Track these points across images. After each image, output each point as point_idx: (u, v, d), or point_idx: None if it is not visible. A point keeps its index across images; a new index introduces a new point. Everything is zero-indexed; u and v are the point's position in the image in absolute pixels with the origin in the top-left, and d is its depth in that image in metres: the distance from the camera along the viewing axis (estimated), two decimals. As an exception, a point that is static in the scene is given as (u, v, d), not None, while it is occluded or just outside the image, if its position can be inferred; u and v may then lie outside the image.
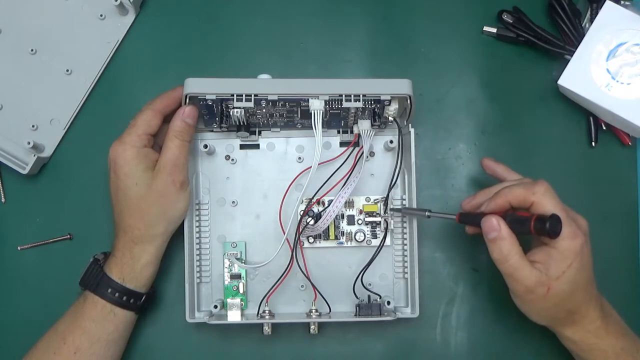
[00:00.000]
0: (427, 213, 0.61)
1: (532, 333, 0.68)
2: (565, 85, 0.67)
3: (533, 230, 0.54)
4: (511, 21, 0.70)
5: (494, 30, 0.71)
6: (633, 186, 0.70)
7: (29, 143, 0.66)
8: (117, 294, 0.60)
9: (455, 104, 0.71)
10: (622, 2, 0.68)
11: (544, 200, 0.56)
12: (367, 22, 0.72)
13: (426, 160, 0.70)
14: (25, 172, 0.66)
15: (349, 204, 0.67)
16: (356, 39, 0.72)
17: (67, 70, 0.69)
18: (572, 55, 0.67)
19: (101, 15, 0.70)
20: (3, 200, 0.69)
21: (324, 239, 0.67)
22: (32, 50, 0.69)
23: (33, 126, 0.68)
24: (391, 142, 0.66)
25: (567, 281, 0.56)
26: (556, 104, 0.71)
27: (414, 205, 0.64)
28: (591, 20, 0.68)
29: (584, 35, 0.67)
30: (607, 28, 0.66)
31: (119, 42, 0.70)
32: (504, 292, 0.68)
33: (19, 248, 0.68)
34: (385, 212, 0.65)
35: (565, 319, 0.60)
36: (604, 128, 0.70)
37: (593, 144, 0.70)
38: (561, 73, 0.67)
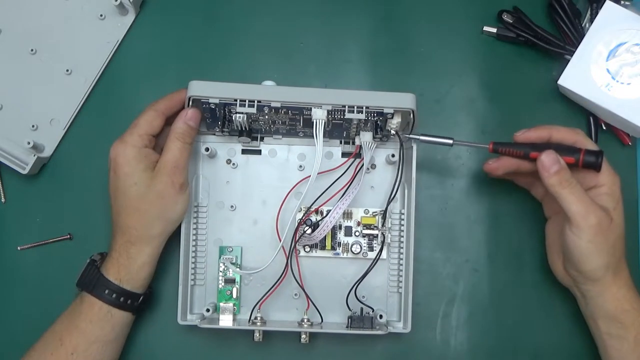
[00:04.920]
0: (451, 141, 0.62)
1: (531, 333, 0.68)
2: (565, 85, 0.67)
3: (582, 161, 0.59)
4: (511, 21, 0.70)
5: (494, 30, 0.71)
6: (633, 186, 0.70)
7: (29, 143, 0.66)
8: (114, 295, 0.60)
9: (455, 104, 0.71)
10: (622, 2, 0.68)
11: (586, 140, 0.60)
12: (367, 22, 0.72)
13: (426, 160, 0.70)
14: (25, 172, 0.66)
15: (348, 215, 0.67)
16: (356, 39, 0.72)
17: (67, 70, 0.69)
18: (572, 55, 0.67)
19: (101, 15, 0.70)
20: (3, 200, 0.69)
21: (320, 249, 0.66)
22: (32, 50, 0.69)
23: (33, 126, 0.68)
24: (393, 155, 0.66)
25: (621, 213, 0.60)
26: (556, 104, 0.71)
27: (412, 216, 0.63)
28: (591, 20, 0.68)
29: (584, 35, 0.67)
30: (607, 28, 0.66)
31: (119, 42, 0.70)
32: (504, 292, 0.69)
33: (19, 248, 0.68)
34: (383, 225, 0.65)
35: (618, 263, 0.60)
36: (604, 128, 0.70)
37: (593, 142, 0.70)
38: (561, 73, 0.67)
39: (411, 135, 0.62)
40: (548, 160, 0.58)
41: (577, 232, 0.58)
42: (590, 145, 0.60)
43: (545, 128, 0.62)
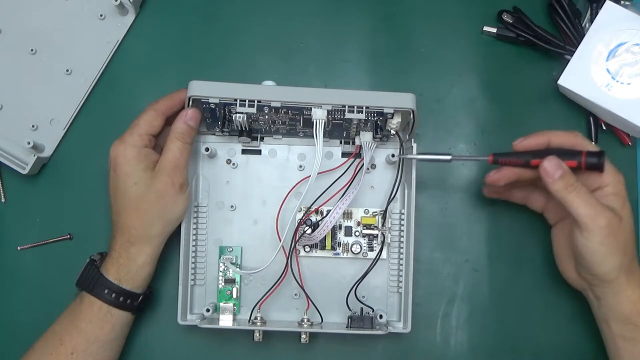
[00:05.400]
0: (450, 157, 0.61)
1: (532, 333, 0.68)
2: (565, 85, 0.67)
3: (584, 164, 0.58)
4: (511, 21, 0.70)
5: (494, 30, 0.71)
6: (633, 186, 0.70)
7: (29, 143, 0.66)
8: (113, 295, 0.60)
9: (455, 104, 0.71)
10: (622, 2, 0.68)
11: (585, 142, 0.60)
12: (367, 22, 0.72)
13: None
14: (25, 172, 0.66)
15: (348, 215, 0.66)
16: (356, 39, 0.72)
17: (67, 70, 0.69)
18: (572, 55, 0.67)
19: (101, 15, 0.70)
20: (3, 200, 0.69)
21: (320, 249, 0.66)
22: (32, 50, 0.69)
23: (33, 126, 0.68)
24: (393, 155, 0.66)
25: (629, 212, 0.59)
26: (556, 104, 0.71)
27: (412, 216, 0.63)
28: (591, 20, 0.68)
29: (584, 35, 0.67)
30: (607, 28, 0.66)
31: (119, 42, 0.70)
32: (504, 292, 0.69)
33: (19, 248, 0.68)
34: (383, 225, 0.65)
35: (630, 263, 0.59)
36: (604, 128, 0.70)
37: (593, 143, 0.70)
38: (561, 73, 0.67)
39: (408, 156, 0.62)
40: (551, 166, 0.58)
41: (588, 235, 0.57)
42: (591, 147, 0.60)
43: (543, 134, 0.61)
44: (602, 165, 0.59)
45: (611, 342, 0.62)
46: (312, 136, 0.59)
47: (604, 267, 0.58)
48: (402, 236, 0.66)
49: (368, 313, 0.64)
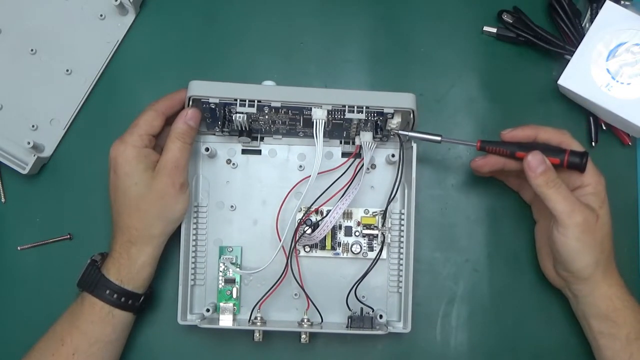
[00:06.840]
0: (439, 138, 0.62)
1: (531, 333, 0.68)
2: (565, 85, 0.67)
3: (567, 162, 0.59)
4: (511, 21, 0.70)
5: (494, 30, 0.71)
6: (633, 186, 0.70)
7: (29, 143, 0.65)
8: (115, 295, 0.60)
9: (455, 104, 0.71)
10: (622, 2, 0.68)
11: (571, 141, 0.61)
12: (367, 22, 0.72)
13: (426, 160, 0.70)
14: (25, 172, 0.66)
15: (348, 215, 0.67)
16: (356, 39, 0.72)
17: (67, 70, 0.69)
18: (572, 55, 0.67)
19: (101, 15, 0.70)
20: (3, 200, 0.69)
21: (320, 249, 0.66)
22: (32, 50, 0.69)
23: (33, 126, 0.68)
24: (393, 155, 0.66)
25: (607, 212, 0.60)
26: (556, 104, 0.71)
27: (412, 216, 0.63)
28: (591, 20, 0.68)
29: (584, 35, 0.67)
30: (607, 28, 0.66)
31: (119, 42, 0.70)
32: (503, 292, 0.69)
33: (19, 248, 0.68)
34: (383, 225, 0.65)
35: (606, 262, 0.60)
36: (604, 128, 0.70)
37: (593, 144, 0.70)
38: (561, 73, 0.67)
39: (400, 132, 0.62)
40: (534, 161, 0.58)
41: (564, 230, 0.58)
42: (576, 146, 0.61)
43: (532, 127, 0.62)
44: (583, 165, 0.60)
45: (592, 339, 0.63)
46: (312, 136, 0.59)
47: (579, 263, 0.60)
48: (402, 236, 0.66)
49: (368, 313, 0.64)
